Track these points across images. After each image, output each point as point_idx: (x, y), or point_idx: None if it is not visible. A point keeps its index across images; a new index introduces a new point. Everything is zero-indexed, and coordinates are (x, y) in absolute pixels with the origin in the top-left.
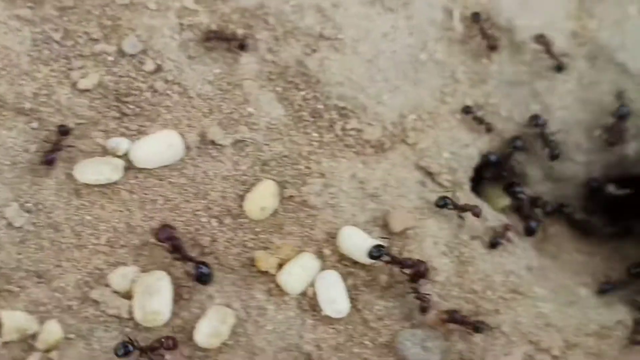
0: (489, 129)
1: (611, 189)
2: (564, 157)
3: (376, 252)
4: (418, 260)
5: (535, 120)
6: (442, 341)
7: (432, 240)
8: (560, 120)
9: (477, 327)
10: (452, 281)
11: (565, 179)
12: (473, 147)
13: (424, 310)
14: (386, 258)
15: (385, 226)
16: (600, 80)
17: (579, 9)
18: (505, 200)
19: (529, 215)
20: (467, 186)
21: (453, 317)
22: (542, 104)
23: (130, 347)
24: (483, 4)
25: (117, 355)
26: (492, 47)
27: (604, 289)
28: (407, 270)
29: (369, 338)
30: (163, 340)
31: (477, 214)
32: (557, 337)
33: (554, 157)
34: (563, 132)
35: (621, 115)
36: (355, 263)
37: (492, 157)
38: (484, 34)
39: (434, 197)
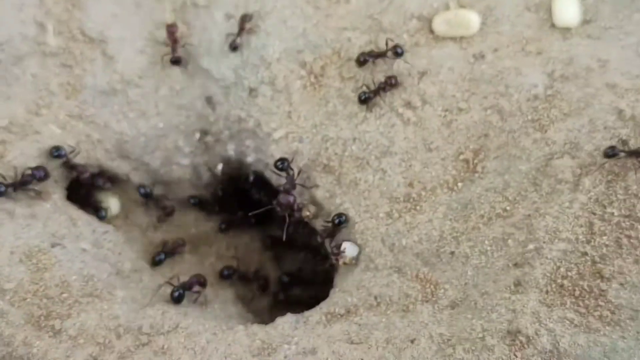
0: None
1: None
2: (169, 161)
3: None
4: None
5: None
6: None
7: (9, 250)
8: (155, 126)
9: None
10: (25, 288)
11: (175, 182)
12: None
13: None
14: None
15: None
16: (191, 85)
17: (174, 17)
18: (115, 209)
19: None
20: (57, 195)
21: None
22: (138, 111)
23: None
24: (76, 18)
25: None
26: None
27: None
28: None
29: None
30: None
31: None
32: (128, 337)
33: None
34: (162, 137)
35: None
36: None
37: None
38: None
39: (13, 207)
